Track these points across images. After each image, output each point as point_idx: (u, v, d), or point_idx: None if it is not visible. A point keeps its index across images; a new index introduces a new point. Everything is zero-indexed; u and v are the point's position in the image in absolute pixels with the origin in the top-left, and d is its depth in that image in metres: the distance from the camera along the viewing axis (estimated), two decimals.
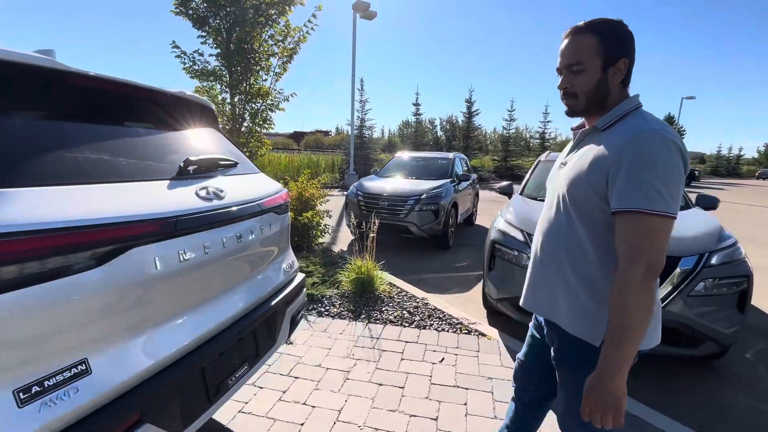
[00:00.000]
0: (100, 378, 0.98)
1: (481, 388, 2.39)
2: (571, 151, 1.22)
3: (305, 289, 2.17)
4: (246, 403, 2.18)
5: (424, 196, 5.80)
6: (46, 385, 0.87)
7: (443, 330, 3.15)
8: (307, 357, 2.69)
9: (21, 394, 0.83)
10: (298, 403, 2.20)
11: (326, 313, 3.38)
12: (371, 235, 4.02)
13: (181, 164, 1.39)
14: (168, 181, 1.32)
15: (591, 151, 1.08)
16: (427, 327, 3.20)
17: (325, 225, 5.35)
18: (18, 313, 0.83)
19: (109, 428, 0.97)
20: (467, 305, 3.96)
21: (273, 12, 5.08)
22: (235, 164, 1.74)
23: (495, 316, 3.59)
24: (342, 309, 3.45)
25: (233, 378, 1.48)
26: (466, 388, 2.38)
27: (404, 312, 3.44)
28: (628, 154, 0.96)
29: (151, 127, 1.49)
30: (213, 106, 1.90)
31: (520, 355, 1.46)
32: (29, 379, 0.85)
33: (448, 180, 6.57)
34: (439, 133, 39.74)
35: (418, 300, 3.72)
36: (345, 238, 6.70)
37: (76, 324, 0.95)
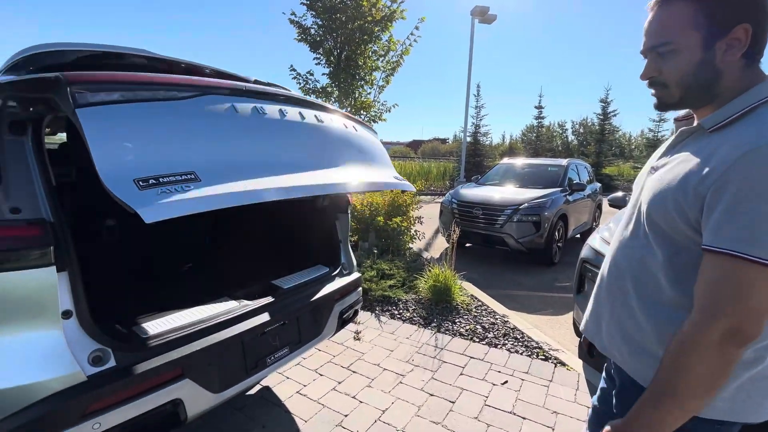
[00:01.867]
0: (204, 186, 1.12)
1: (541, 420, 2.14)
2: (666, 153, 0.93)
3: (360, 288, 2.30)
4: (305, 385, 2.42)
5: (524, 205, 5.38)
6: (161, 180, 1.04)
7: (516, 352, 2.90)
8: (369, 355, 2.81)
9: (140, 182, 1.01)
10: (348, 395, 2.33)
11: (398, 316, 3.46)
12: (453, 243, 3.94)
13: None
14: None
15: (689, 160, 0.81)
16: (499, 346, 2.98)
17: (415, 231, 5.44)
18: (142, 122, 1.11)
19: (154, 378, 1.24)
20: (558, 329, 3.55)
21: (377, 29, 5.45)
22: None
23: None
24: (414, 315, 3.48)
25: (272, 357, 1.69)
26: (524, 418, 2.16)
27: (478, 327, 3.28)
28: (738, 175, 0.69)
29: None
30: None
31: (593, 400, 1.24)
32: (145, 174, 1.03)
33: (557, 189, 5.95)
34: (570, 137, 35.92)
35: (497, 316, 3.50)
36: (440, 245, 6.67)
37: (182, 139, 1.18)
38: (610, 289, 1.01)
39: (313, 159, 1.55)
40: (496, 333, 3.19)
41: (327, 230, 2.29)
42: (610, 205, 3.98)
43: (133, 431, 1.22)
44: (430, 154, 35.20)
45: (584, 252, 2.97)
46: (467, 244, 6.15)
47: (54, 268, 1.14)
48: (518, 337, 3.13)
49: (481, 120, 19.79)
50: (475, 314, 3.53)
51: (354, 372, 2.59)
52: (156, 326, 1.39)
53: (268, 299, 1.74)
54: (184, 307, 1.58)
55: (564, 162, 6.82)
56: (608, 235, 2.90)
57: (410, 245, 5.42)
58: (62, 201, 1.37)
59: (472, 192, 6.09)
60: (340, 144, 1.74)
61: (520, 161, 7.46)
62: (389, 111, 6.07)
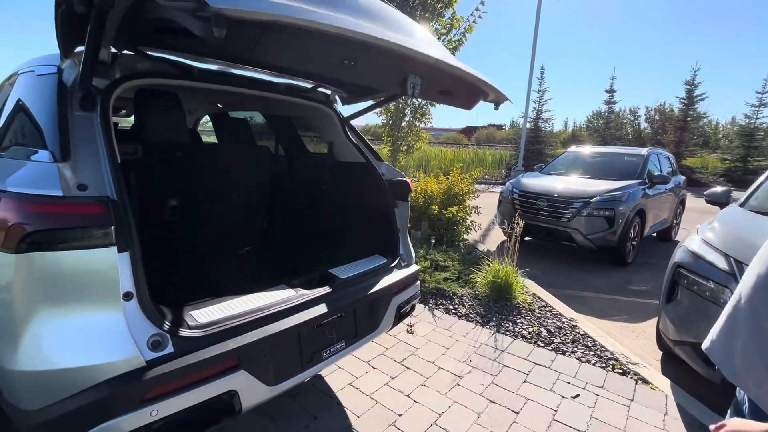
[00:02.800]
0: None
1: None
2: None
3: (418, 282, 2.14)
4: (357, 377, 2.33)
5: (595, 198, 4.87)
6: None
7: (588, 362, 2.60)
8: (423, 351, 2.67)
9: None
10: (402, 393, 2.21)
11: (454, 311, 3.27)
12: (515, 237, 3.64)
13: None
14: None
15: None
16: (567, 353, 2.70)
17: (471, 221, 5.15)
18: None
19: (210, 367, 1.18)
20: (635, 340, 3.15)
21: (440, 5, 5.12)
22: None
23: (673, 362, 2.73)
24: (471, 311, 3.27)
25: (328, 351, 1.60)
26: None
27: (542, 329, 3.00)
28: None
29: None
30: None
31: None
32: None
33: (635, 182, 5.32)
34: (643, 124, 32.53)
35: (564, 319, 3.18)
36: (497, 237, 6.32)
37: None
38: (753, 305, 0.79)
39: (396, 30, 1.39)
40: (563, 338, 2.89)
41: (386, 219, 2.14)
42: (708, 202, 3.42)
43: (189, 420, 1.18)
44: (485, 141, 33.80)
45: (679, 255, 2.56)
46: (527, 238, 5.74)
47: (115, 248, 1.10)
48: (589, 344, 2.81)
49: (543, 105, 18.43)
50: (539, 315, 3.24)
51: (407, 368, 2.46)
52: (213, 313, 1.34)
53: (326, 289, 1.64)
54: (242, 292, 1.52)
55: (643, 151, 6.08)
56: (712, 237, 2.46)
57: (465, 236, 5.15)
58: (127, 179, 1.35)
59: (536, 182, 5.63)
60: (424, 35, 1.66)
61: (590, 149, 6.78)
62: None
